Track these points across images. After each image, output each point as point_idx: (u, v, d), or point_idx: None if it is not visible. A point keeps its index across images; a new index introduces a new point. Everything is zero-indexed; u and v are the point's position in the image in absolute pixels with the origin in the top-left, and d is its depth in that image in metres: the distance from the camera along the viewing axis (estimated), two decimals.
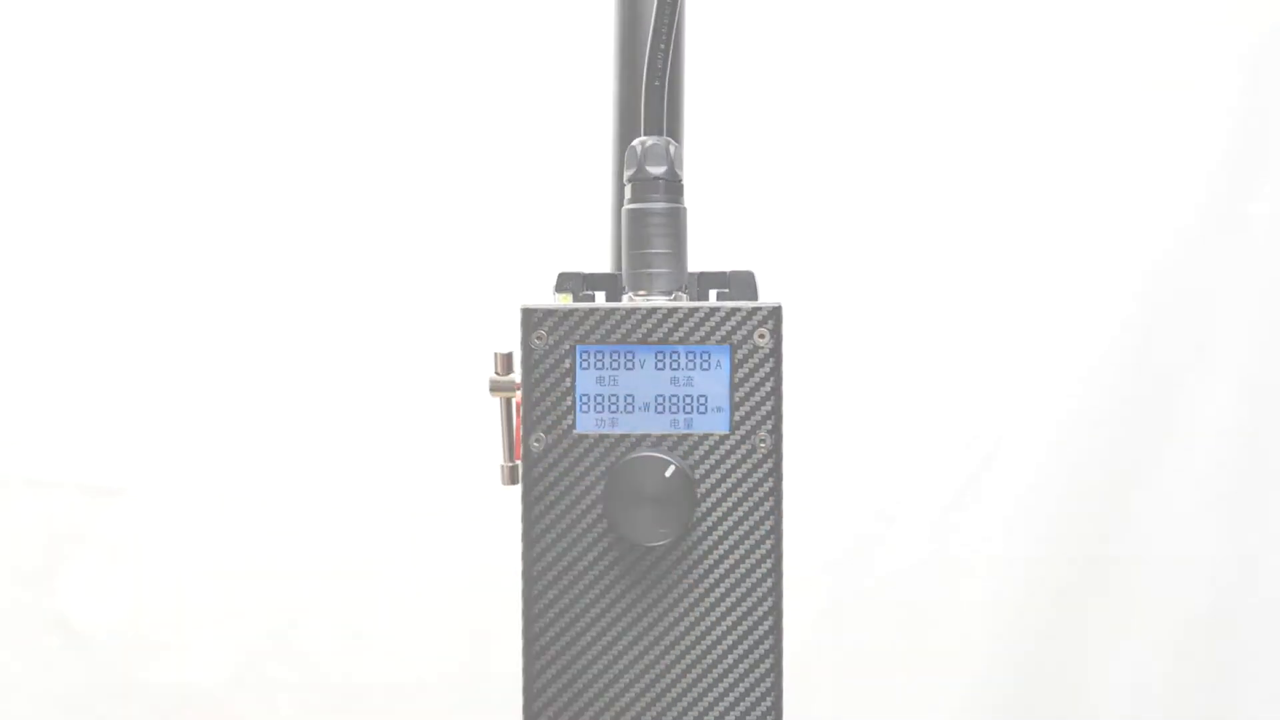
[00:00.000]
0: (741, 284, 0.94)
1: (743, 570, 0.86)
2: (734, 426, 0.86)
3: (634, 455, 0.85)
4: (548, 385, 0.86)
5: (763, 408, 0.86)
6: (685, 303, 0.87)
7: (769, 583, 0.86)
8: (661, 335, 0.86)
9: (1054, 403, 1.85)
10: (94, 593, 1.84)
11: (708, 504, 0.86)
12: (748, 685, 0.86)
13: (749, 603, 0.86)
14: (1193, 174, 1.83)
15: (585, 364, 0.86)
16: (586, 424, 0.86)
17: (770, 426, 0.86)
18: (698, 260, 0.93)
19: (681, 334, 0.86)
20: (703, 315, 0.86)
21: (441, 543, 1.84)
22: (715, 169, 1.69)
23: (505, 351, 0.91)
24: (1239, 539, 1.85)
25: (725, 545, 0.86)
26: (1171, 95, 1.84)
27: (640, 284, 0.89)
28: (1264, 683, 1.86)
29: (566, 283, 0.94)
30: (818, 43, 1.84)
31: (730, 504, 0.86)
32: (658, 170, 0.89)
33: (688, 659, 0.86)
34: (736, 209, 1.79)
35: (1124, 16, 1.84)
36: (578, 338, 0.86)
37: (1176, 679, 1.85)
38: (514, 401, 0.90)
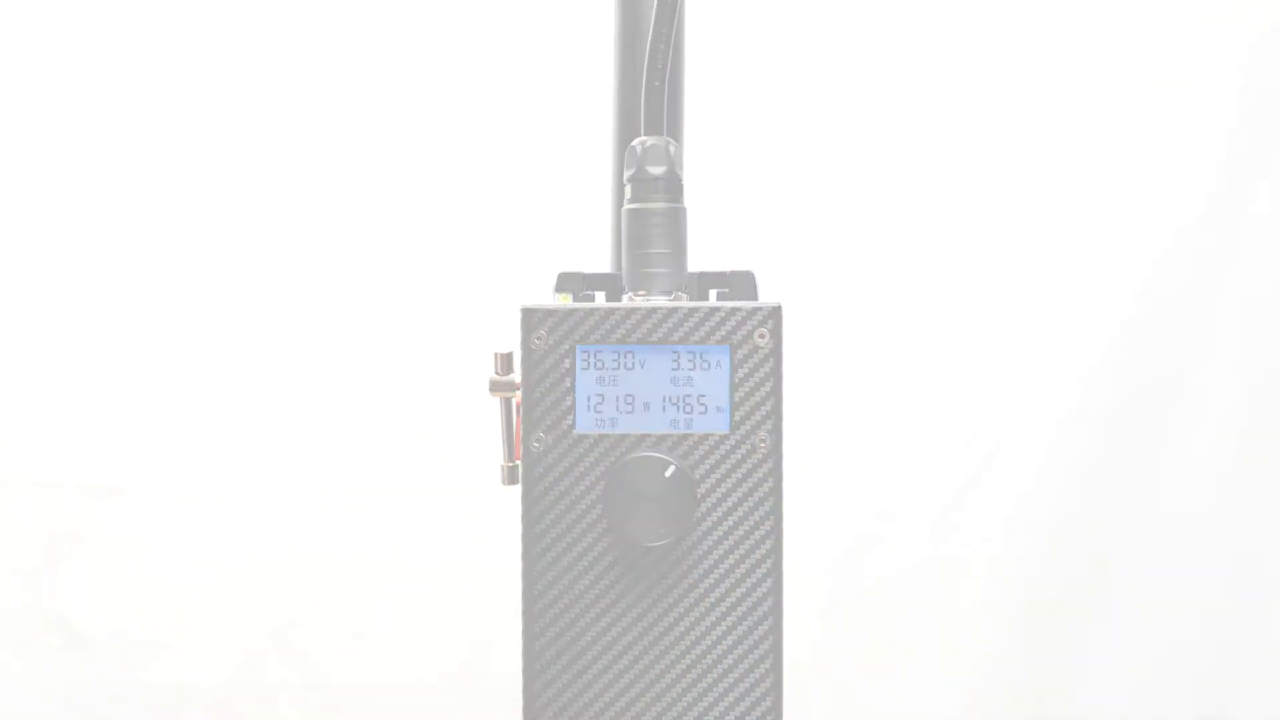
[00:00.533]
0: (741, 284, 0.94)
1: (743, 570, 0.86)
2: (734, 426, 0.86)
3: (634, 455, 0.85)
4: (548, 385, 0.86)
5: (763, 408, 0.86)
6: (685, 303, 0.87)
7: (769, 583, 0.86)
8: (661, 335, 0.86)
9: (1054, 403, 1.85)
10: (94, 593, 1.84)
11: (708, 504, 0.86)
12: (748, 685, 0.86)
13: (749, 603, 0.86)
14: (1193, 174, 1.83)
15: (585, 364, 0.86)
16: (586, 424, 0.86)
17: (770, 426, 0.86)
18: (698, 260, 0.93)
19: (681, 334, 0.86)
20: (703, 315, 0.86)
21: (441, 543, 1.84)
22: (715, 169, 1.69)
23: (505, 351, 0.91)
24: (1240, 539, 1.85)
25: (725, 545, 0.86)
26: (1172, 95, 1.83)
27: (640, 284, 0.89)
28: (1265, 683, 1.85)
29: (566, 283, 0.94)
30: (818, 43, 1.84)
31: (730, 504, 0.86)
32: (658, 170, 0.89)
33: (688, 659, 0.86)
34: (736, 209, 1.79)
35: (1123, 17, 1.84)
36: (578, 338, 0.86)
37: (1177, 679, 1.85)
38: (514, 401, 0.90)
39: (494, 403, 0.92)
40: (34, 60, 1.84)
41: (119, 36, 1.84)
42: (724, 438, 0.86)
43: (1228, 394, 1.84)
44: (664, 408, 0.86)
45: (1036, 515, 1.85)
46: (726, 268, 0.95)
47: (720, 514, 0.86)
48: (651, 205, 0.89)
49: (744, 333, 0.86)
